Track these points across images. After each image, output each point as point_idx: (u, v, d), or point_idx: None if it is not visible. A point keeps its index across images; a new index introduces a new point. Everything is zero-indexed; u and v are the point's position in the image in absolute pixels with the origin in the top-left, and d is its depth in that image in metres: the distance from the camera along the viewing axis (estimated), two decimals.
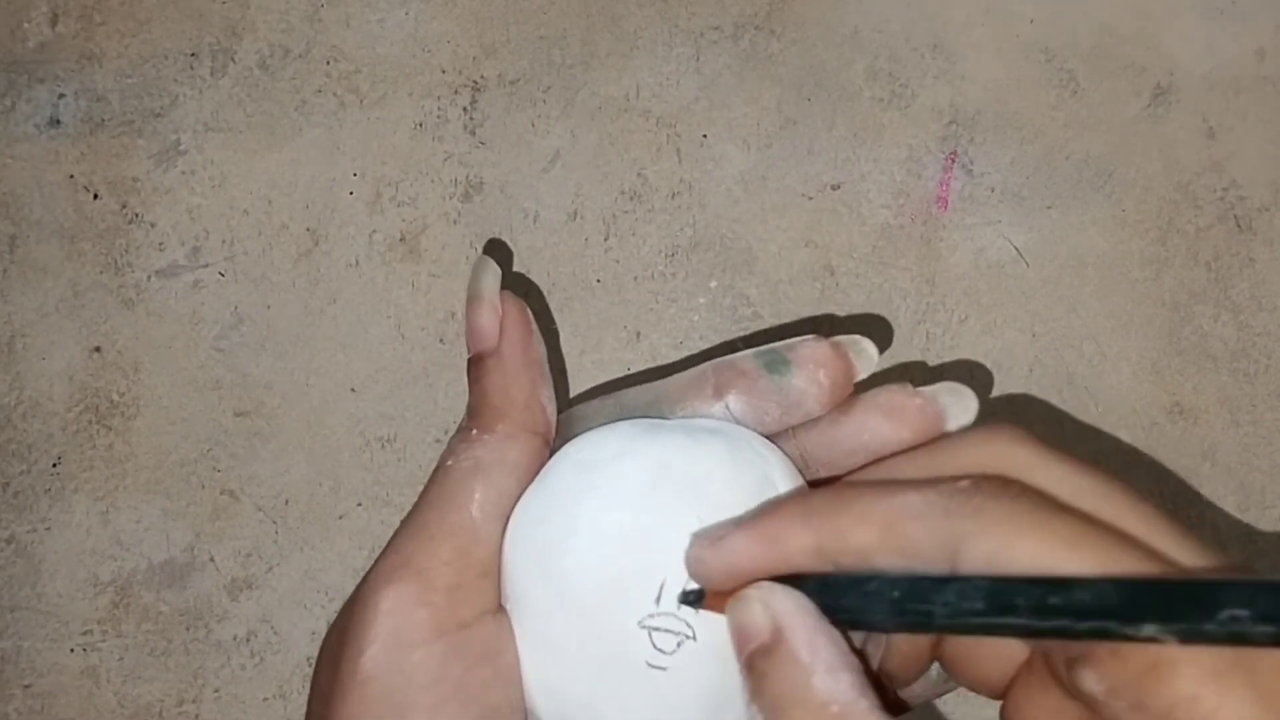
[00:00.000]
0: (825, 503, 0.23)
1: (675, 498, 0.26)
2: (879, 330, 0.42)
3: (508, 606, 0.27)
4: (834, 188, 0.42)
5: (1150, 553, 0.21)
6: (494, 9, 0.43)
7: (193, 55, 0.43)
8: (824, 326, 0.41)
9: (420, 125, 0.42)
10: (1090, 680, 0.21)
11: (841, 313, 0.42)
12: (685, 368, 0.29)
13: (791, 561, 0.23)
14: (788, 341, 0.28)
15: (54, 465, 0.41)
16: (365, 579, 0.26)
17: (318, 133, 0.42)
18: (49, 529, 0.41)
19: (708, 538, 0.25)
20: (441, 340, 0.42)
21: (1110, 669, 0.21)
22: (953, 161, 0.42)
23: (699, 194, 0.42)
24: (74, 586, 0.41)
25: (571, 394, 0.42)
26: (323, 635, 0.41)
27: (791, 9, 0.42)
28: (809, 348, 0.28)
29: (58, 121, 0.43)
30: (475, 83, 0.42)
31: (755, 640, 0.24)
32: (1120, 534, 0.21)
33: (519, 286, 0.42)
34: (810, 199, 0.42)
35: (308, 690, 0.40)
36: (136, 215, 0.42)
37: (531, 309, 0.28)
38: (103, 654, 0.41)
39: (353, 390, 0.42)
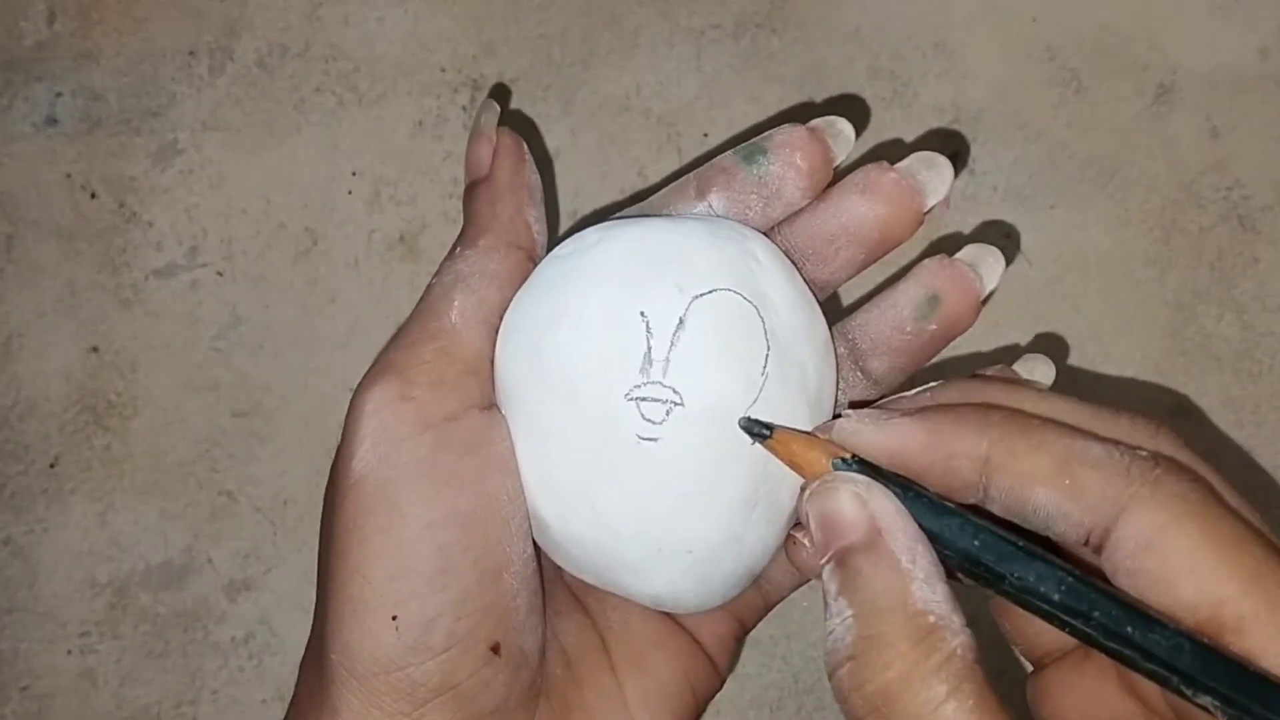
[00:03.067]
0: (1003, 419, 0.23)
1: (653, 269, 0.26)
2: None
3: (503, 408, 0.27)
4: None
5: None
6: (493, 7, 0.42)
7: (190, 54, 0.43)
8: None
9: (420, 124, 0.42)
10: None
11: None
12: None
13: (952, 463, 0.23)
14: (765, 133, 0.28)
15: (51, 466, 0.41)
16: (353, 395, 0.26)
17: (316, 131, 0.42)
18: (46, 530, 0.41)
19: (870, 414, 0.24)
20: None
21: None
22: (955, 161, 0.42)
23: None
24: (71, 588, 0.41)
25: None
26: None
27: (793, 7, 0.42)
28: (784, 134, 0.28)
29: (55, 120, 0.42)
30: (475, 81, 0.42)
31: (848, 536, 0.23)
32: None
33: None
34: None
35: None
36: (134, 215, 0.42)
37: (530, 147, 0.29)
38: (100, 656, 0.41)
39: (351, 390, 0.41)
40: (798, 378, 0.26)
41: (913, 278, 0.28)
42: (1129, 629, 0.21)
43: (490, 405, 0.27)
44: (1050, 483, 0.22)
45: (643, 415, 0.25)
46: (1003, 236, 0.41)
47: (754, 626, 0.31)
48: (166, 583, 0.41)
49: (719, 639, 0.30)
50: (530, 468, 0.26)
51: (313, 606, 0.40)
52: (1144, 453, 0.22)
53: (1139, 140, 0.42)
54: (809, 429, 0.26)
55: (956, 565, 0.23)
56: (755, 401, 0.26)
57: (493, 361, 0.27)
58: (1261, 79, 0.42)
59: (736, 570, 0.27)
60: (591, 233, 0.27)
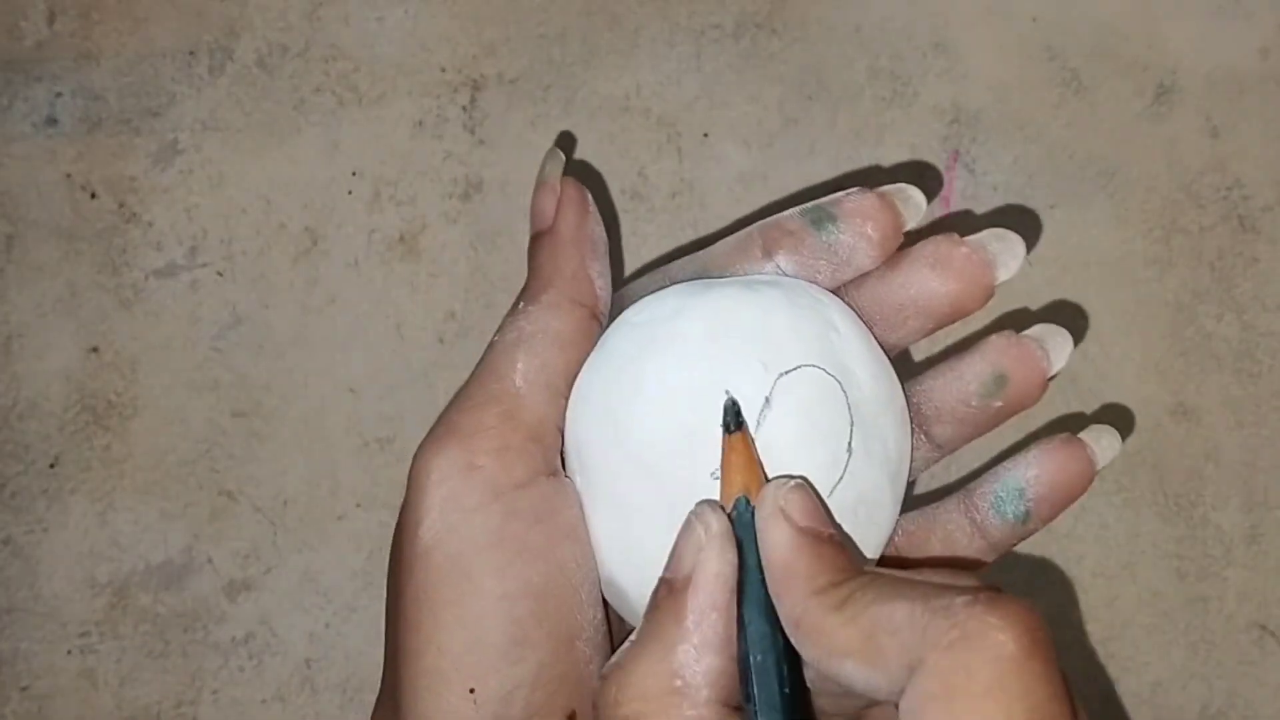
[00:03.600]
0: (830, 587, 0.22)
1: (737, 346, 0.26)
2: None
3: (575, 475, 0.27)
4: (837, 188, 0.42)
5: None
6: (493, 7, 0.43)
7: (190, 54, 0.43)
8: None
9: (420, 124, 0.42)
10: None
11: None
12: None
13: (778, 601, 0.23)
14: (833, 196, 0.28)
15: (51, 466, 0.41)
16: (414, 456, 0.26)
17: (316, 131, 0.42)
18: (46, 530, 0.41)
19: (787, 501, 0.24)
20: (441, 340, 0.42)
21: None
22: (955, 160, 0.42)
23: (700, 193, 0.42)
24: (71, 588, 0.41)
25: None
26: (321, 637, 0.41)
27: (793, 7, 0.42)
28: (854, 200, 0.28)
29: (55, 120, 0.43)
30: (475, 81, 0.42)
31: (673, 571, 0.23)
32: None
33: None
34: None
35: (306, 693, 0.41)
36: (134, 215, 0.42)
37: (595, 198, 0.29)
38: (100, 656, 0.41)
39: (351, 391, 0.42)
40: (880, 451, 0.26)
41: (980, 353, 0.28)
42: None
43: (555, 472, 0.27)
44: (858, 658, 0.21)
45: None
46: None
47: None
48: (166, 583, 0.41)
49: None
50: (607, 536, 0.26)
51: (313, 606, 0.41)
52: (962, 599, 0.20)
53: (1139, 140, 0.42)
54: (889, 497, 0.27)
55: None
56: (841, 478, 0.25)
57: (558, 426, 0.27)
58: (1262, 79, 0.42)
59: None
60: (668, 298, 0.27)
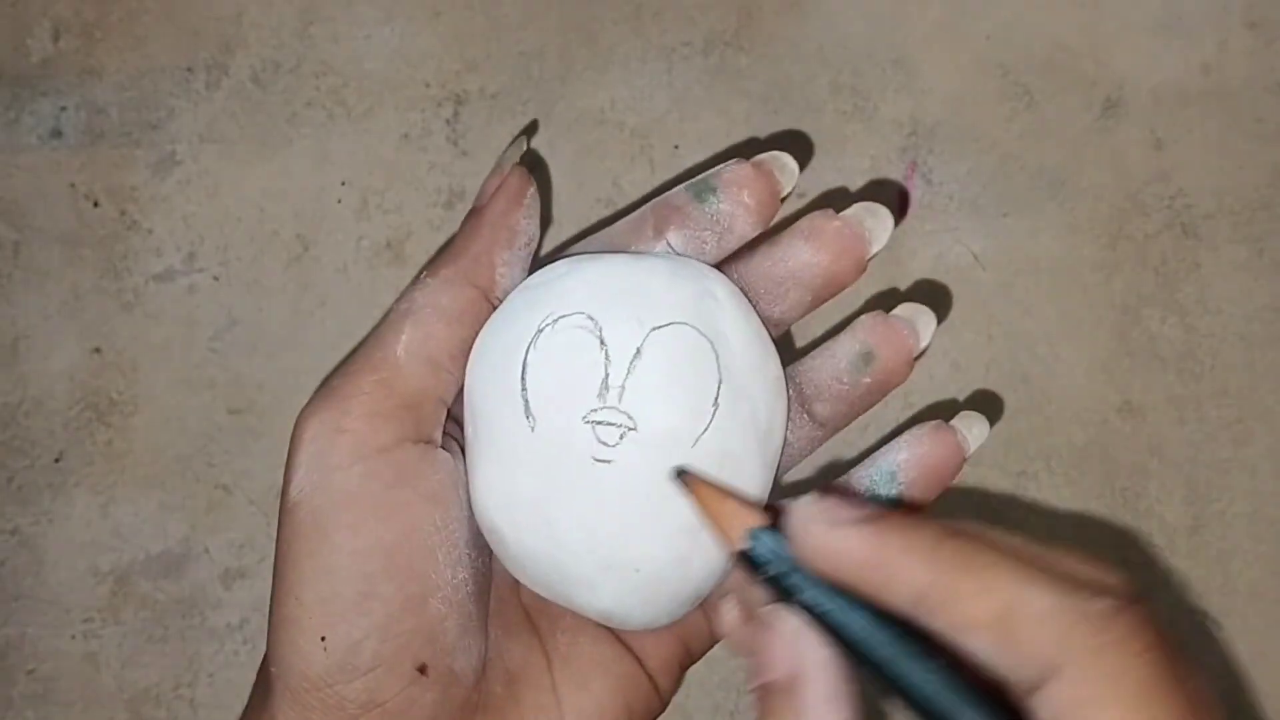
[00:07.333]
0: (955, 552, 0.22)
1: (615, 302, 0.27)
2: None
3: (468, 428, 0.28)
4: (799, 197, 0.43)
5: None
6: (475, 26, 0.44)
7: (188, 70, 0.44)
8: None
9: (405, 136, 0.44)
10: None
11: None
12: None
13: (888, 589, 0.22)
14: (713, 169, 0.29)
15: (56, 460, 0.43)
16: (297, 418, 0.27)
17: (307, 144, 0.44)
18: (51, 521, 0.43)
19: (828, 510, 0.23)
20: None
21: None
22: (913, 171, 0.44)
23: None
24: (75, 576, 0.42)
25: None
26: None
27: (760, 26, 0.44)
28: (731, 171, 0.29)
29: (59, 133, 0.44)
30: (458, 96, 0.44)
31: (773, 674, 0.23)
32: None
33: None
34: None
35: None
36: (135, 222, 0.44)
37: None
38: (103, 640, 0.42)
39: None
40: (748, 411, 0.27)
41: (850, 332, 0.29)
42: None
43: (428, 440, 0.28)
44: (989, 636, 0.21)
45: (598, 438, 0.27)
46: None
47: (701, 655, 0.31)
48: (165, 571, 0.42)
49: (664, 663, 0.30)
50: (491, 483, 0.28)
51: None
52: (1105, 603, 0.20)
53: (1087, 152, 0.44)
54: (758, 460, 0.28)
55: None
56: (706, 430, 0.27)
57: (439, 397, 0.28)
58: (1203, 94, 0.44)
59: (683, 590, 0.28)
60: (560, 265, 0.29)
